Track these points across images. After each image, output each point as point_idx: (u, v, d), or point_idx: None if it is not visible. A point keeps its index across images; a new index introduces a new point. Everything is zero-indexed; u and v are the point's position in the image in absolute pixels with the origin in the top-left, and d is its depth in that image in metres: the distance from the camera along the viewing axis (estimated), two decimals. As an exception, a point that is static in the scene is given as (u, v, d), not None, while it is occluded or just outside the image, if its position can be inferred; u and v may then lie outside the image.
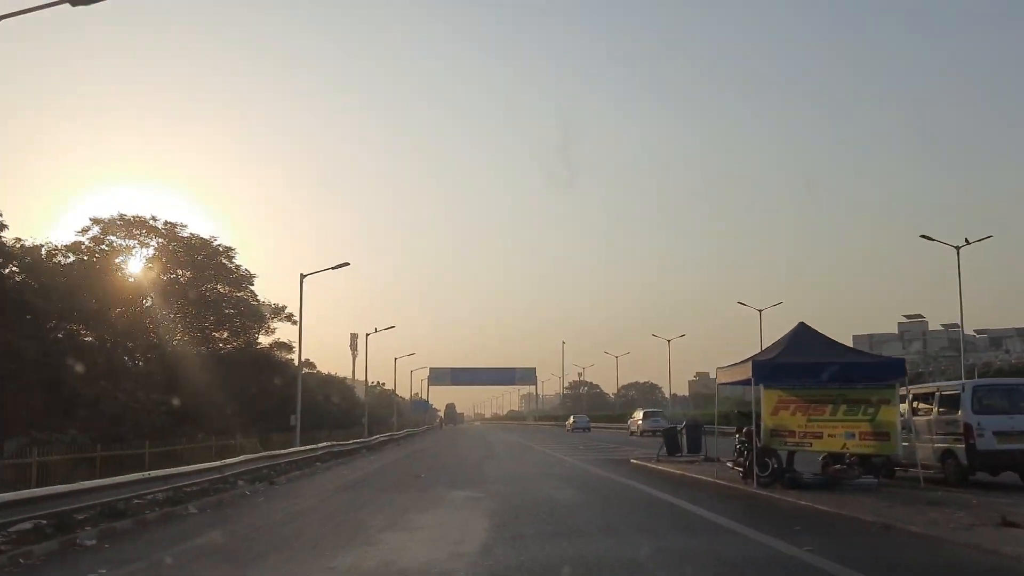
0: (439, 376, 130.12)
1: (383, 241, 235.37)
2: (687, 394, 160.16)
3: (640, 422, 53.12)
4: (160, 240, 38.64)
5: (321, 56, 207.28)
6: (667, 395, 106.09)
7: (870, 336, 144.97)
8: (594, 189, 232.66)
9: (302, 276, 27.47)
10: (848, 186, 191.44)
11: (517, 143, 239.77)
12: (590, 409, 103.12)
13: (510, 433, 71.54)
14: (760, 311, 59.79)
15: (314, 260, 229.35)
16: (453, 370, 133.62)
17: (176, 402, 27.36)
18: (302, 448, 24.07)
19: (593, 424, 74.18)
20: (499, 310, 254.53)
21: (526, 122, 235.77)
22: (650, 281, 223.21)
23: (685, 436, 23.80)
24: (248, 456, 17.99)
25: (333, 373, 75.04)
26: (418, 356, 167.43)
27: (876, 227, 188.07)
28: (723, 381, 17.66)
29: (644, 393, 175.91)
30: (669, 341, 77.56)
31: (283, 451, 21.91)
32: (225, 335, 44.33)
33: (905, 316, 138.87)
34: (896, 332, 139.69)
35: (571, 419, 76.12)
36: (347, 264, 27.91)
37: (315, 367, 75.69)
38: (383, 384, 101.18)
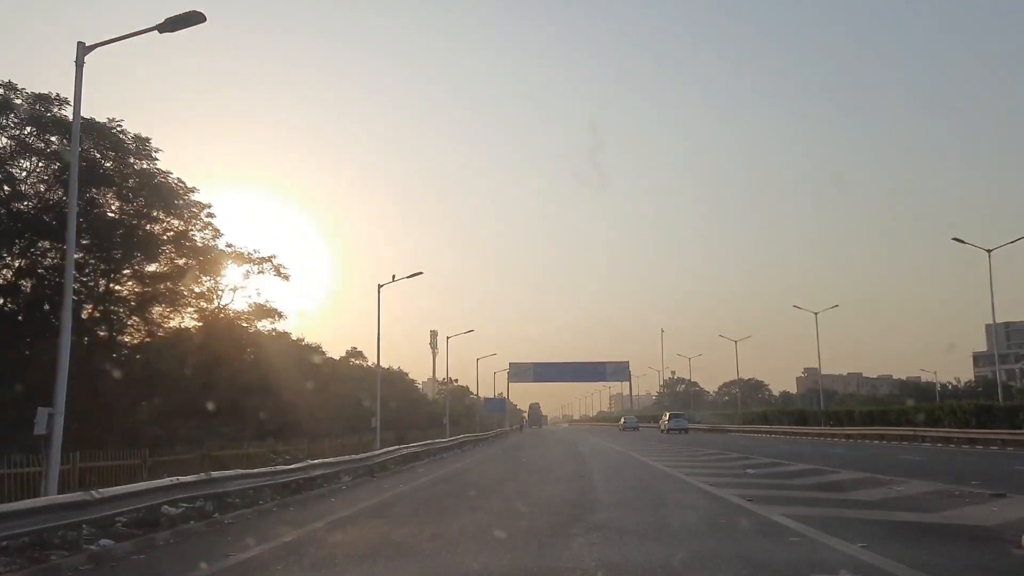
0: (520, 372, 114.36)
1: (467, 237, 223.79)
2: (795, 391, 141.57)
3: (666, 422, 63.47)
4: (19, 122, 23.20)
5: (358, 61, 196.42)
6: (810, 385, 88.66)
7: (1007, 325, 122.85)
8: (687, 173, 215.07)
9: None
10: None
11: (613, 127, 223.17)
12: (687, 409, 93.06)
13: (605, 438, 53.58)
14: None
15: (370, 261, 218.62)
16: (536, 365, 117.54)
17: None
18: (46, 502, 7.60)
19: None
20: (591, 302, 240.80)
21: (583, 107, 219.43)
22: (751, 270, 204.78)
23: None
24: None
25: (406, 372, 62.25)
26: (499, 352, 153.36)
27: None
28: None
29: (748, 391, 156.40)
30: (816, 314, 59.09)
31: None
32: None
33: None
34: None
35: (622, 420, 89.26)
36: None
37: (365, 358, 60.53)
38: (454, 380, 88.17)
